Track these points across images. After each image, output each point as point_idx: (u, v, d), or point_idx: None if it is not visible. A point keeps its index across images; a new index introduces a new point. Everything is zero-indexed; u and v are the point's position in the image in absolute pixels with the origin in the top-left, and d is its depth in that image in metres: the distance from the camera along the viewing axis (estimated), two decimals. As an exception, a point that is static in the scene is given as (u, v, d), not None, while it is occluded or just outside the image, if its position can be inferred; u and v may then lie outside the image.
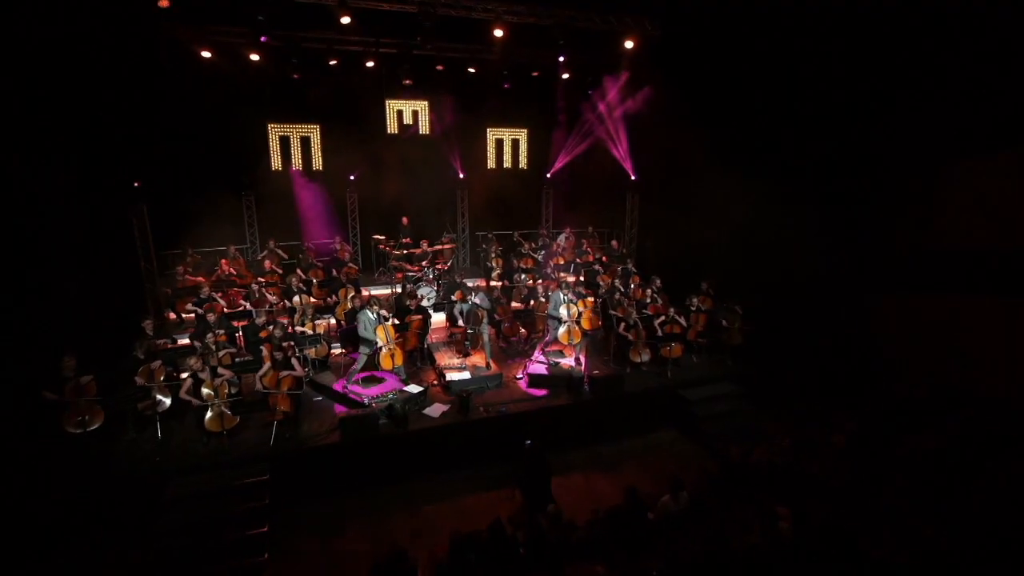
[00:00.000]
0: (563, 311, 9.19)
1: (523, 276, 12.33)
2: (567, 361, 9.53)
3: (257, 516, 6.23)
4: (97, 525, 6.23)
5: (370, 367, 8.49)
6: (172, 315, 10.84)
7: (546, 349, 9.84)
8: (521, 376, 9.24)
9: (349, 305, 10.52)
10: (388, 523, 6.91)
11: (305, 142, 13.09)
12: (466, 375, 8.86)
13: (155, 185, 11.01)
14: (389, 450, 7.49)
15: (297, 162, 13.09)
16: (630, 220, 15.07)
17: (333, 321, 10.61)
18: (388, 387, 8.39)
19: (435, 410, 8.02)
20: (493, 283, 13.10)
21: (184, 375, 7.49)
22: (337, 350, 10.02)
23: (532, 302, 11.19)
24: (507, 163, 15.04)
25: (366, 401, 7.83)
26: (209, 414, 6.88)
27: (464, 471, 7.83)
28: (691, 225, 13.09)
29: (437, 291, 12.06)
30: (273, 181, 12.90)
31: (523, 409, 8.28)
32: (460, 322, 8.96)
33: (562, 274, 13.32)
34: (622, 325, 9.61)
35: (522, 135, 14.99)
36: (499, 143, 14.86)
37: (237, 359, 8.59)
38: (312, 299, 10.85)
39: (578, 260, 13.75)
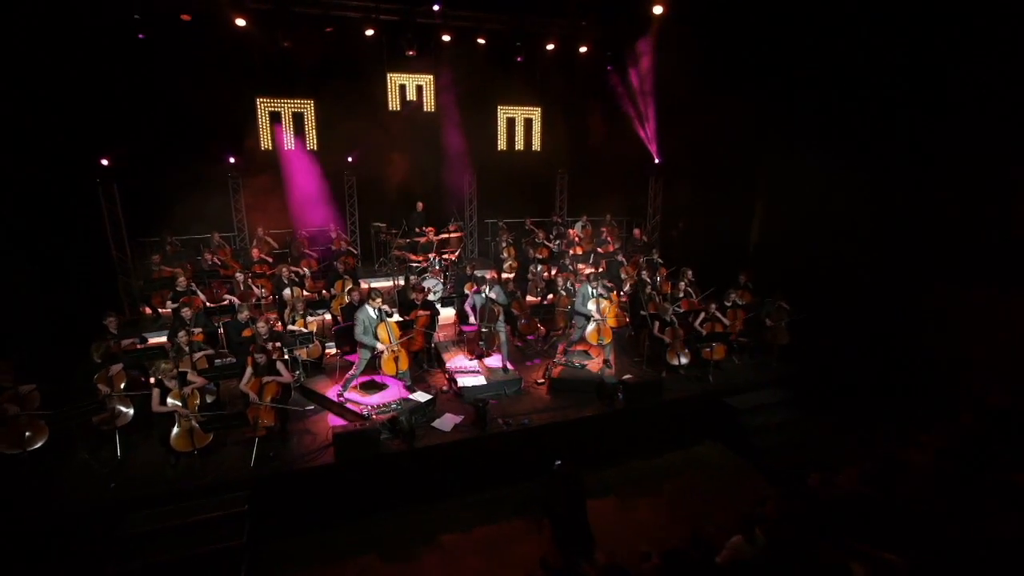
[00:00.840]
0: (591, 307, 8.01)
1: (539, 267, 11.19)
2: (595, 363, 8.37)
3: (229, 559, 5.07)
4: (34, 571, 5.08)
5: (370, 371, 7.31)
6: (148, 310, 9.68)
7: (569, 349, 8.69)
8: (543, 380, 8.08)
9: (346, 299, 9.40)
10: (392, 560, 5.77)
11: (298, 118, 11.86)
12: (481, 380, 7.70)
13: (128, 164, 9.81)
14: (393, 471, 6.33)
15: (289, 141, 11.85)
16: (652, 207, 13.87)
17: (328, 317, 9.44)
18: (391, 395, 7.24)
19: (446, 422, 6.86)
20: (505, 275, 11.99)
21: (154, 381, 6.32)
22: (332, 350, 8.85)
23: (551, 296, 10.04)
24: (519, 144, 13.82)
25: (366, 412, 6.67)
26: (176, 430, 5.71)
27: (480, 494, 6.69)
28: (724, 212, 11.89)
29: (444, 284, 10.91)
30: (263, 161, 11.68)
31: (548, 420, 7.12)
32: (472, 319, 7.77)
33: (580, 266, 12.17)
34: (656, 323, 8.45)
35: (535, 114, 13.76)
36: (510, 123, 13.63)
37: (217, 362, 7.43)
38: (304, 292, 9.70)
39: (599, 250, 12.58)
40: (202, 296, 8.77)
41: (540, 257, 11.40)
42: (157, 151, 10.14)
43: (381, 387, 7.43)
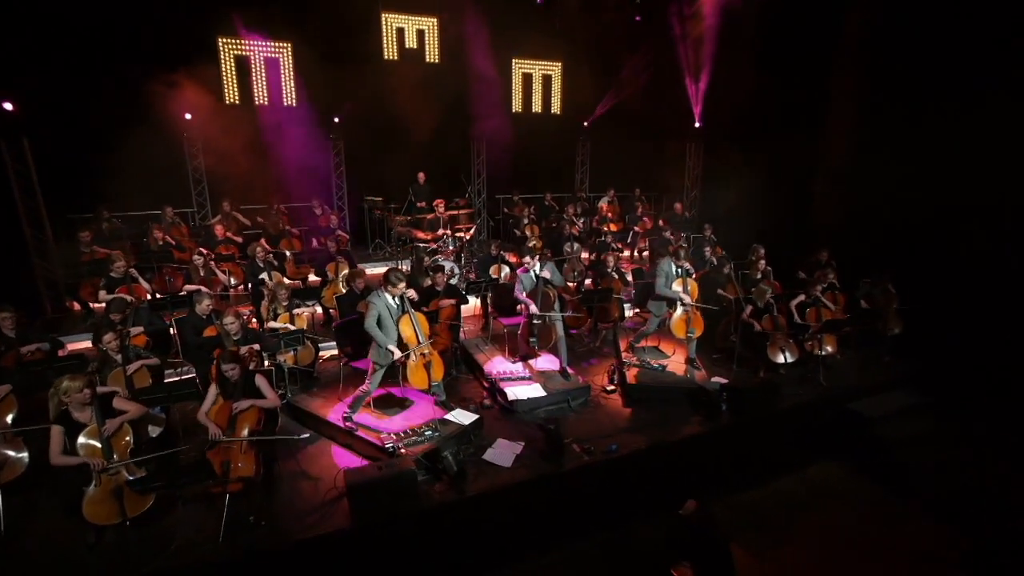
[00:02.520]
0: (677, 288, 6.09)
1: (575, 246, 9.24)
2: (675, 363, 6.48)
3: None
4: None
5: (386, 381, 5.21)
6: (75, 304, 7.34)
7: (636, 345, 6.78)
8: (613, 387, 6.15)
9: (342, 287, 7.32)
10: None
11: (272, 66, 9.57)
12: (538, 390, 5.71)
13: (45, 113, 7.45)
14: (437, 532, 4.28)
15: (261, 94, 9.57)
16: (690, 179, 12.05)
17: (319, 310, 7.33)
18: (419, 414, 5.17)
19: (503, 453, 4.85)
20: (526, 258, 10.04)
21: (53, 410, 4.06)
22: (328, 352, 6.74)
23: (592, 280, 8.12)
24: (536, 106, 11.79)
25: (389, 444, 4.59)
26: (91, 490, 3.54)
27: (554, 555, 4.70)
28: (781, 181, 10.13)
29: (461, 268, 8.89)
30: (227, 119, 9.34)
31: (642, 444, 5.18)
32: (533, 308, 5.73)
33: (619, 244, 10.31)
34: (749, 309, 6.60)
35: (555, 70, 11.75)
36: (527, 79, 11.59)
37: (175, 375, 5.26)
38: (286, 279, 7.54)
39: (635, 228, 10.70)
40: (146, 284, 6.53)
41: (576, 234, 9.44)
42: (86, 99, 7.81)
43: (403, 403, 5.36)
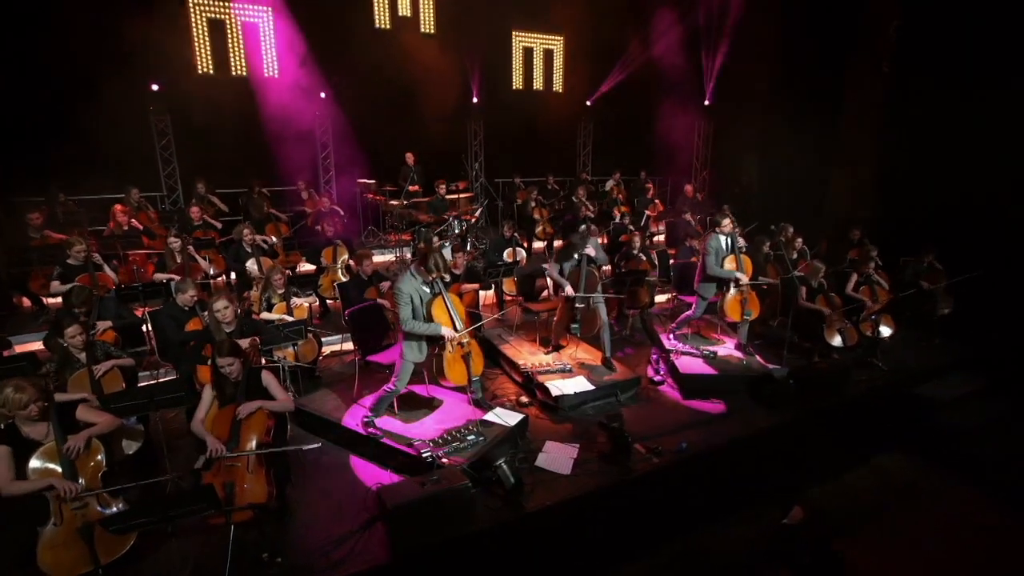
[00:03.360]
0: (729, 266, 5.44)
1: (592, 228, 8.52)
2: (725, 350, 5.84)
3: None
4: None
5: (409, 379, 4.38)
6: (24, 300, 6.27)
7: (678, 332, 6.12)
8: (660, 377, 5.48)
9: (341, 275, 6.49)
10: None
11: (251, 33, 8.56)
12: (583, 383, 4.97)
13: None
14: (490, 557, 3.50)
15: (238, 63, 8.56)
16: (699, 161, 11.51)
17: (317, 302, 6.44)
18: (455, 416, 4.37)
19: (559, 457, 4.10)
20: (537, 243, 9.37)
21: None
22: (330, 348, 5.87)
23: (628, 261, 7.44)
24: (537, 83, 11.04)
25: (427, 453, 3.77)
26: (50, 529, 2.65)
27: (630, 568, 3.98)
28: (799, 159, 9.66)
29: (467, 252, 8.09)
30: (200, 92, 8.29)
31: (713, 442, 4.51)
32: (569, 290, 4.99)
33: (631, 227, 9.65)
34: (804, 290, 6.02)
35: (557, 44, 11.01)
36: (527, 54, 10.82)
37: (151, 377, 4.32)
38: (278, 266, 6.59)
39: (648, 212, 10.07)
40: (111, 273, 5.53)
41: (591, 216, 8.76)
42: (35, 63, 6.74)
43: (431, 404, 4.56)
